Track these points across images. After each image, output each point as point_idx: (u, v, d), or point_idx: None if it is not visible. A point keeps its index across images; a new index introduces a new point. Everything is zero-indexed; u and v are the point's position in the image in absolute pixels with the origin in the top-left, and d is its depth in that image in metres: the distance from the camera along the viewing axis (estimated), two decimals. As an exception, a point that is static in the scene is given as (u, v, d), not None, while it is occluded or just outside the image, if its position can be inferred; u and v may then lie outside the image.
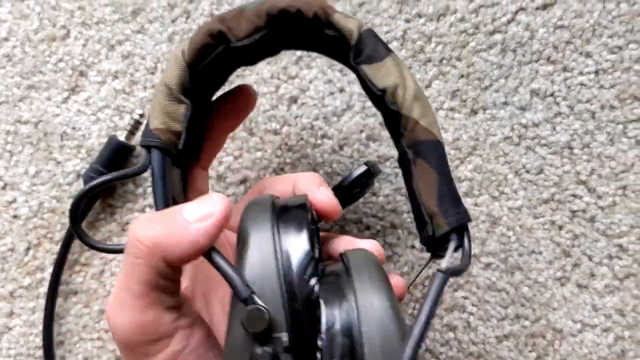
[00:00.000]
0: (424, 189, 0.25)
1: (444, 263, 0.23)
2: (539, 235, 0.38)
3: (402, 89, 0.26)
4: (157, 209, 0.24)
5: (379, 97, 0.26)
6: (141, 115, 0.38)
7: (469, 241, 0.25)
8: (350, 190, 0.32)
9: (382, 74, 0.26)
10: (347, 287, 0.22)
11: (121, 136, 0.38)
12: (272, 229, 0.22)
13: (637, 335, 0.37)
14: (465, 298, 0.38)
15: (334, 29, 0.26)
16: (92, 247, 0.25)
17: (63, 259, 0.37)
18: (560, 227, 0.38)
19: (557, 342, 0.38)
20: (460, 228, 0.25)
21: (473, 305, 0.38)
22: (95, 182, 0.23)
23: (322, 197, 0.28)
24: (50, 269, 0.38)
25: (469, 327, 0.38)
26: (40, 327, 0.38)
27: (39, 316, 0.38)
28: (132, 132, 0.38)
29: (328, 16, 0.26)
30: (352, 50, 0.26)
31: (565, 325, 0.38)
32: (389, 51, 0.26)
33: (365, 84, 0.27)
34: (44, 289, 0.38)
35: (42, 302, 0.38)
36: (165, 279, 0.22)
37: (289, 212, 0.24)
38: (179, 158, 0.27)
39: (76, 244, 0.38)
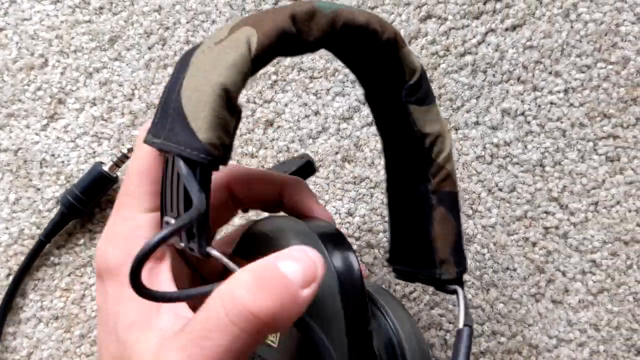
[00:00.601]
0: (441, 235, 0.27)
1: (462, 317, 0.25)
2: (513, 252, 0.39)
3: (443, 139, 0.27)
4: (200, 240, 0.21)
5: (417, 139, 0.27)
6: (129, 150, 0.38)
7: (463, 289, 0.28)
8: None
9: (429, 119, 0.26)
10: (377, 309, 0.25)
11: (105, 166, 0.38)
12: (336, 276, 0.22)
13: (612, 349, 0.38)
14: (442, 316, 0.38)
15: (398, 61, 0.26)
16: (161, 299, 0.19)
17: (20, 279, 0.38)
18: (534, 244, 0.39)
19: (534, 358, 0.38)
20: (461, 277, 0.27)
21: (449, 322, 0.38)
22: (161, 235, 0.18)
23: (323, 212, 0.27)
24: (31, 295, 0.39)
25: (445, 344, 0.38)
26: (23, 353, 0.39)
27: (20, 342, 0.39)
28: (117, 165, 0.38)
29: (399, 47, 0.25)
30: (406, 87, 0.26)
31: (541, 341, 0.38)
32: (434, 98, 0.27)
33: (404, 122, 0.27)
34: (24, 314, 0.39)
35: (23, 327, 0.39)
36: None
37: (339, 249, 0.24)
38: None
39: (56, 268, 0.39)
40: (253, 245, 0.26)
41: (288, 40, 0.22)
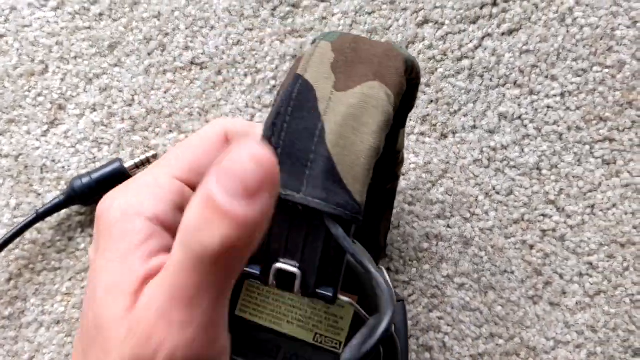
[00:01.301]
0: (384, 229, 0.34)
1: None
2: (510, 254, 0.39)
3: (403, 154, 0.32)
4: (336, 289, 0.20)
5: (393, 155, 0.30)
6: (154, 156, 0.39)
7: None
8: None
9: (402, 138, 0.31)
10: None
11: (125, 163, 0.38)
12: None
13: (609, 351, 0.38)
14: (440, 318, 0.39)
15: (413, 96, 0.28)
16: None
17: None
18: (531, 247, 0.39)
19: (531, 360, 0.38)
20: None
21: (448, 325, 0.39)
22: (383, 329, 0.18)
23: None
24: (32, 300, 0.39)
25: (444, 347, 0.39)
26: (24, 357, 0.39)
27: (22, 346, 0.39)
28: (137, 166, 0.39)
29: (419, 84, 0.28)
30: (408, 115, 0.29)
31: (539, 343, 0.39)
32: None
33: (390, 143, 0.29)
34: (26, 318, 0.39)
35: (24, 331, 0.39)
36: None
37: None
38: None
39: (57, 273, 0.39)
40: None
41: (406, 79, 0.23)
